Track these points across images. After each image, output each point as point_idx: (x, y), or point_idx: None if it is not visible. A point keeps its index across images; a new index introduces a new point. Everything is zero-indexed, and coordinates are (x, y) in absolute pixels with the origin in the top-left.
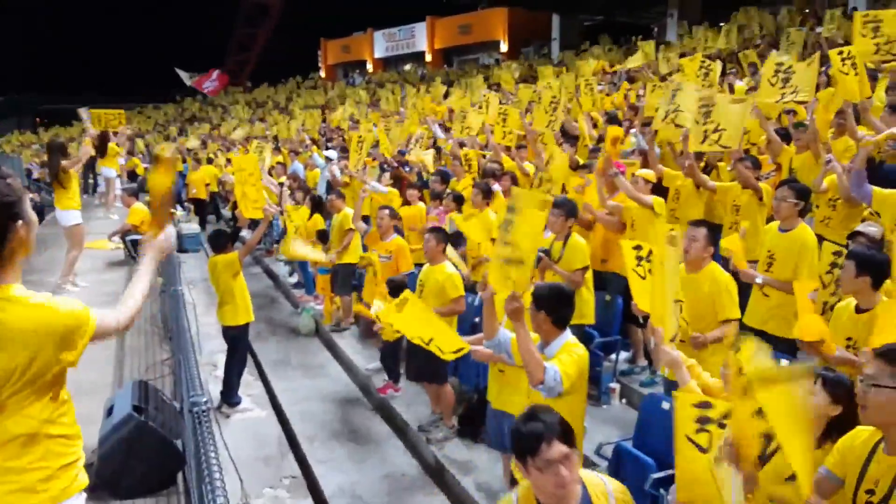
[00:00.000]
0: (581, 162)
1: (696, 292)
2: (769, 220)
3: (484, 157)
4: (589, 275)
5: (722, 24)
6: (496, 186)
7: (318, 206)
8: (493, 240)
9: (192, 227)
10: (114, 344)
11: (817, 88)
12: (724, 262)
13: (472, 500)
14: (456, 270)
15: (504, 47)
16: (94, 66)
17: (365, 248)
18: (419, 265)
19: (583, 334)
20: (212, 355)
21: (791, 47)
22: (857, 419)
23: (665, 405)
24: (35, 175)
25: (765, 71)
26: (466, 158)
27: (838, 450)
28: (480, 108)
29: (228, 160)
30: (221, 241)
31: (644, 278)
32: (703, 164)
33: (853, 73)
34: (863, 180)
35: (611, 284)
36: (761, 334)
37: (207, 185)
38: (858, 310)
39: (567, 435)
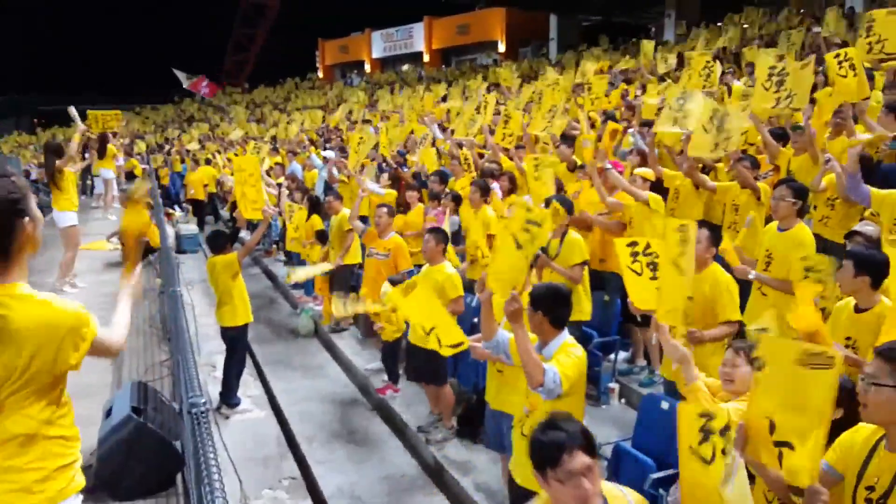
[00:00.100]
0: (579, 163)
1: (697, 293)
2: (768, 219)
3: (482, 156)
4: (585, 272)
5: (719, 24)
6: (494, 186)
7: (315, 206)
8: (489, 237)
9: (191, 227)
10: None
11: (815, 88)
12: (725, 263)
13: (472, 501)
14: (455, 271)
15: (502, 47)
16: (93, 66)
17: (363, 247)
18: (419, 266)
19: (581, 333)
20: (211, 356)
21: (790, 48)
22: (859, 421)
23: (664, 405)
24: (34, 176)
25: (758, 75)
26: (465, 158)
27: (839, 445)
28: (478, 111)
29: (229, 160)
30: (220, 242)
31: (640, 274)
32: (700, 165)
33: (852, 74)
34: (858, 182)
35: (609, 284)
36: None
37: (206, 185)
38: (857, 309)
39: (590, 445)
